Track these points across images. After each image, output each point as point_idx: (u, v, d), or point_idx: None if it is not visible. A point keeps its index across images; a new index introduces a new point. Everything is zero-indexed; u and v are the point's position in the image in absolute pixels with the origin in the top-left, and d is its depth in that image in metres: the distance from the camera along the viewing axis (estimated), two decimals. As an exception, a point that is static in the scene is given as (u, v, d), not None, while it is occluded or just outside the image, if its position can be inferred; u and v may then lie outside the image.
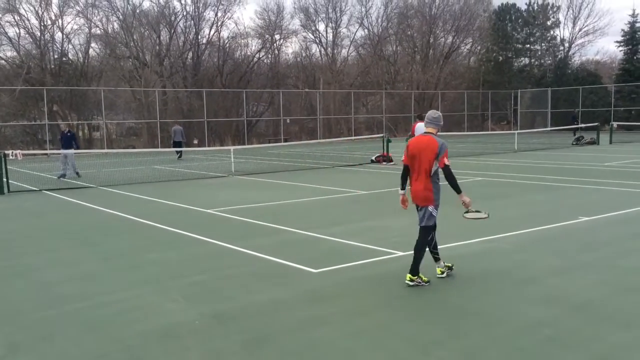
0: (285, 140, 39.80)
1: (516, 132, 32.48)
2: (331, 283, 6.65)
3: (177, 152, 27.33)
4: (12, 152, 17.03)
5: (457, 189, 6.45)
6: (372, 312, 5.67)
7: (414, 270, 6.43)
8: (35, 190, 15.98)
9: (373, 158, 23.00)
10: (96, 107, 38.82)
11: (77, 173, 19.18)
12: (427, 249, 6.61)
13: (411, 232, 9.28)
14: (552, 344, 4.81)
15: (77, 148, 19.58)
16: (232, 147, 24.00)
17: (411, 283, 6.39)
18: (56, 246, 9.09)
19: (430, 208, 6.53)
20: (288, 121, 43.50)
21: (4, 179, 15.52)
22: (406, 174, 6.73)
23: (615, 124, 34.23)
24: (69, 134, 19.38)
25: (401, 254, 7.82)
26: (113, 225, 10.72)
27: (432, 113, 6.68)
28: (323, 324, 5.37)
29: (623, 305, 5.75)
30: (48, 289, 6.73)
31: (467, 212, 6.66)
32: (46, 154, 30.90)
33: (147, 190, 15.68)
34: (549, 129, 41.00)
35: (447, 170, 6.34)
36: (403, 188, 6.80)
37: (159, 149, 32.04)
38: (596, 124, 32.93)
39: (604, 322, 5.27)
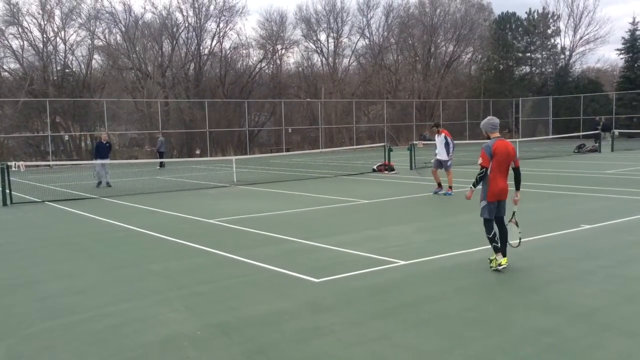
0: (287, 150, 39.87)
1: (517, 140, 32.49)
2: (332, 293, 6.66)
3: (162, 162, 28.28)
4: (15, 164, 17.07)
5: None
6: (373, 322, 5.67)
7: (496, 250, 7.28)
8: (38, 202, 16.03)
9: (375, 167, 23.02)
10: (99, 118, 38.97)
11: (108, 183, 19.41)
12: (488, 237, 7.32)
13: (412, 240, 9.31)
14: (554, 352, 4.81)
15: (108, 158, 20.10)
16: (234, 157, 24.06)
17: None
18: (58, 257, 9.11)
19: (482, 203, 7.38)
20: (290, 131, 43.57)
21: (7, 191, 15.57)
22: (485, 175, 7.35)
23: (616, 131, 34.23)
24: (107, 144, 19.75)
25: (402, 263, 7.82)
26: (115, 236, 10.74)
27: (493, 120, 7.64)
28: (324, 334, 5.37)
29: (625, 313, 5.75)
30: (50, 301, 6.75)
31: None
32: (49, 165, 30.98)
33: (149, 200, 15.72)
34: (550, 137, 41.02)
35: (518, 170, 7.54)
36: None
37: (161, 160, 32.08)
38: (596, 131, 32.90)
39: (606, 331, 5.26)
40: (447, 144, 15.03)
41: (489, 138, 7.48)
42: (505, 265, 7.18)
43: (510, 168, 7.42)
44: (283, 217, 12.28)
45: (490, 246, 7.38)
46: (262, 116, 48.52)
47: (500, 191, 7.30)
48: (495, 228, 7.33)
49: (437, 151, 15.24)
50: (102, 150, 19.44)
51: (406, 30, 52.71)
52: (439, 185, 15.10)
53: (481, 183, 7.34)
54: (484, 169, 7.25)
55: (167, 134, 37.76)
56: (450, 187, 14.83)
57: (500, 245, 7.23)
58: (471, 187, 7.58)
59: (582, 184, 16.51)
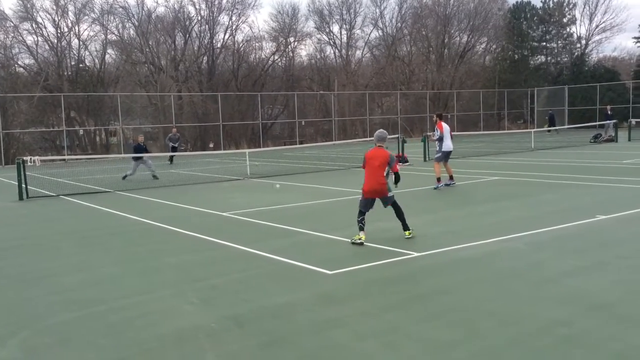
0: (301, 143, 39.87)
1: (533, 130, 32.24)
2: (346, 284, 6.66)
3: (172, 157, 27.74)
4: (31, 159, 17.25)
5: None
6: (387, 314, 5.67)
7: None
8: (53, 196, 16.18)
9: (388, 159, 22.89)
10: (113, 113, 39.23)
11: (155, 176, 20.10)
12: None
13: (426, 232, 9.28)
14: (569, 344, 4.78)
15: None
16: (247, 150, 24.10)
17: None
18: (73, 251, 9.19)
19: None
20: (303, 123, 43.55)
21: (23, 185, 15.73)
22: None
23: (633, 120, 33.81)
24: (144, 146, 20.77)
25: (416, 254, 7.80)
26: (130, 230, 10.81)
27: (382, 133, 9.00)
28: (338, 326, 5.38)
29: (641, 304, 5.69)
30: (65, 294, 6.81)
31: None
32: (64, 160, 31.25)
33: (164, 194, 15.80)
34: (566, 127, 40.63)
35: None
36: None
37: (176, 153, 32.20)
38: (612, 121, 32.52)
39: (621, 322, 5.21)
40: (439, 138, 15.02)
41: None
42: (363, 240, 8.44)
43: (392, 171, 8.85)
44: (296, 210, 12.30)
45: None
46: (275, 109, 48.53)
47: (372, 191, 8.69)
48: (363, 215, 8.67)
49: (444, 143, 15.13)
50: (140, 151, 20.28)
51: (419, 20, 52.34)
52: (451, 177, 15.04)
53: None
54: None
55: (181, 128, 37.92)
56: (439, 179, 14.69)
57: (363, 226, 8.59)
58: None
59: (597, 174, 16.35)
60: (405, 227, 8.83)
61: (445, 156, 15.06)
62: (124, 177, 19.74)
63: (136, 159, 20.07)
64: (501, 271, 7.00)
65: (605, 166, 18.57)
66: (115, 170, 24.09)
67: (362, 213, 8.72)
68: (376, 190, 8.67)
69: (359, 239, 8.51)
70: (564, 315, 5.39)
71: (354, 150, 32.31)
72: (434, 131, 15.46)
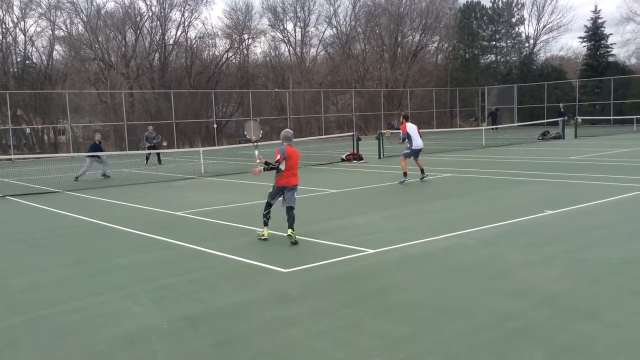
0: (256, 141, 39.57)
1: (483, 128, 32.90)
2: (301, 282, 6.65)
3: (148, 155, 25.90)
4: (-25, 158, 16.64)
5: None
6: (341, 311, 5.69)
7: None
8: (-1, 197, 15.65)
9: (343, 156, 23.06)
10: (61, 111, 38.16)
11: (105, 174, 19.97)
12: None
13: (380, 229, 9.36)
14: (519, 336, 4.89)
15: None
16: (201, 149, 23.81)
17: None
18: (21, 253, 8.91)
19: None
20: (258, 121, 43.24)
21: (-34, 186, 15.16)
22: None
23: (579, 118, 34.90)
24: (100, 144, 20.46)
25: (371, 251, 7.86)
26: (80, 231, 10.54)
27: (287, 132, 9.45)
28: (293, 324, 5.36)
29: (587, 296, 5.87)
30: (13, 297, 6.60)
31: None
32: (10, 159, 30.25)
33: (114, 194, 15.47)
34: (515, 124, 41.61)
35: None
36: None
37: (127, 152, 31.60)
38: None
39: (569, 314, 5.37)
40: (403, 138, 15.60)
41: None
42: (266, 237, 8.82)
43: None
44: (251, 208, 12.21)
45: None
46: (230, 107, 48.12)
47: (288, 181, 9.06)
48: (270, 207, 9.09)
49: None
50: (98, 150, 20.01)
51: (373, 19, 52.75)
52: (422, 171, 15.38)
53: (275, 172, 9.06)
54: (277, 163, 8.93)
55: (133, 126, 37.21)
56: (405, 174, 15.07)
57: (267, 221, 9.00)
58: (263, 168, 9.08)
59: (546, 170, 16.80)
60: (291, 226, 8.78)
61: (415, 153, 15.37)
62: (76, 179, 19.14)
63: (92, 157, 19.66)
64: (453, 266, 7.12)
65: (553, 163, 19.10)
66: (64, 170, 23.45)
67: (269, 205, 9.11)
68: (294, 182, 9.14)
69: (264, 235, 8.84)
70: (514, 309, 5.52)
71: (309, 148, 32.34)
72: (399, 131, 15.97)
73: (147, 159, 26.16)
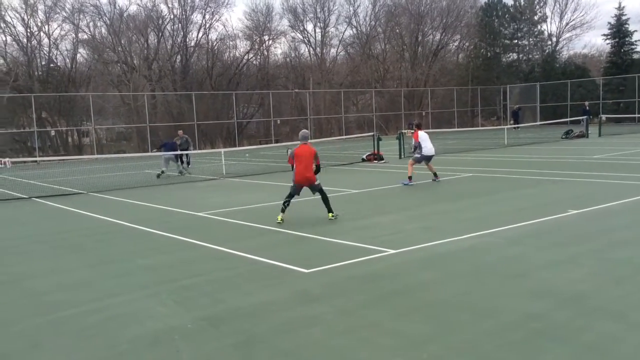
0: (277, 141, 39.72)
1: (505, 127, 32.58)
2: (322, 283, 6.65)
3: (188, 162, 23.67)
4: (1, 160, 16.92)
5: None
6: (364, 310, 5.67)
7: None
8: (25, 198, 15.89)
9: (364, 157, 23.01)
10: (85, 113, 38.66)
11: (182, 172, 21.06)
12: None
13: (402, 229, 9.32)
14: (542, 337, 4.83)
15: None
16: (222, 150, 23.93)
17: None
18: (46, 254, 9.03)
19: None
20: (279, 122, 43.42)
21: (-7, 188, 15.42)
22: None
23: (604, 116, 34.38)
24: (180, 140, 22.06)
25: (392, 251, 7.82)
26: (104, 232, 10.66)
27: (303, 132, 10.83)
28: (314, 324, 5.36)
29: (613, 296, 5.78)
30: (38, 298, 6.69)
31: None
32: (36, 161, 30.73)
33: (137, 195, 15.63)
34: (538, 123, 41.14)
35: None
36: None
37: (150, 153, 31.90)
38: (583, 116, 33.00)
39: (594, 314, 5.29)
40: (415, 147, 15.61)
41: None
42: (279, 221, 10.09)
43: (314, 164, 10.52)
44: (272, 209, 12.23)
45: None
46: (251, 108, 48.32)
47: (304, 179, 10.35)
48: (291, 198, 10.47)
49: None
50: (170, 148, 20.96)
51: (393, 19, 52.58)
52: (435, 174, 15.22)
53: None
54: (291, 165, 10.46)
55: (155, 127, 37.55)
56: (410, 178, 15.00)
57: (285, 208, 10.36)
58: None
59: (569, 169, 16.59)
60: (330, 210, 10.37)
61: (427, 159, 15.28)
62: (181, 173, 20.59)
63: (175, 155, 20.94)
64: (477, 266, 7.05)
65: (576, 161, 18.84)
66: (88, 172, 23.75)
67: (291, 196, 10.44)
68: (307, 178, 10.34)
69: (278, 220, 10.14)
70: (539, 308, 5.45)
71: (330, 148, 32.33)
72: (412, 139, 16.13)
73: (188, 164, 23.51)
